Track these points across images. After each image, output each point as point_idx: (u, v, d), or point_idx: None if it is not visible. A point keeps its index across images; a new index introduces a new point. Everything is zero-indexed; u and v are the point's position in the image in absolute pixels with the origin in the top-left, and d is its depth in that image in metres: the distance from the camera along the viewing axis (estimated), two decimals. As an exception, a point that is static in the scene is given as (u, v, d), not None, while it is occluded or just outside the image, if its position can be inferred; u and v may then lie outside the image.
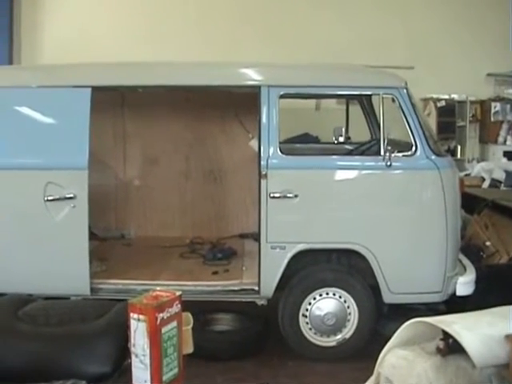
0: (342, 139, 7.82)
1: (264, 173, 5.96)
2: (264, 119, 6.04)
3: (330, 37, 11.17)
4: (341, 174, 6.15)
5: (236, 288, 6.30)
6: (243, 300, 6.34)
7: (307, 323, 6.25)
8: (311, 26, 11.20)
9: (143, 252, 7.54)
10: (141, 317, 2.91)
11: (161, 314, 2.94)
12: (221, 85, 6.45)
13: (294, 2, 11.26)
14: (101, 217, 6.58)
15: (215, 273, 6.72)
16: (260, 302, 6.29)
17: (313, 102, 10.26)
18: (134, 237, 8.27)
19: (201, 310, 6.38)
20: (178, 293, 3.09)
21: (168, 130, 8.22)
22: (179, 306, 3.08)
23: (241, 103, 7.35)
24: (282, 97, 6.08)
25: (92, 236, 6.36)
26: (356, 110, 7.87)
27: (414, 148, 6.02)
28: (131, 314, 2.94)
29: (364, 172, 6.11)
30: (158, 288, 3.16)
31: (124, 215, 8.36)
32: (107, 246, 7.64)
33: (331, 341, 6.27)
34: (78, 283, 6.08)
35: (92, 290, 6.13)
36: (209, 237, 8.00)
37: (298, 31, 11.21)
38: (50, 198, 5.97)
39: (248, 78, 6.36)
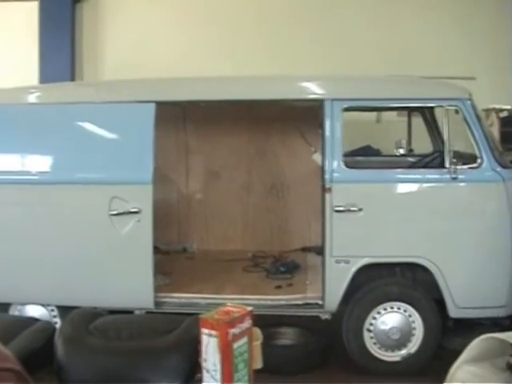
0: (404, 151, 7.75)
1: (328, 186, 5.93)
2: (327, 132, 6.01)
3: (385, 46, 11.03)
4: (405, 187, 6.10)
5: (300, 302, 6.27)
6: (307, 314, 6.32)
7: (371, 338, 6.19)
8: (366, 36, 11.10)
9: (206, 265, 7.56)
10: (212, 332, 2.90)
11: (232, 330, 2.93)
12: (284, 98, 6.45)
13: (346, 12, 11.15)
14: (163, 230, 6.62)
15: (279, 287, 6.69)
16: (324, 317, 6.26)
17: (372, 113, 10.19)
18: (197, 250, 8.30)
19: (264, 323, 6.36)
20: (249, 308, 3.08)
21: (230, 144, 8.25)
22: (250, 321, 3.07)
23: (302, 116, 7.33)
24: (345, 110, 6.05)
25: (155, 249, 6.40)
26: (417, 121, 7.81)
27: (479, 160, 5.94)
28: (203, 329, 2.93)
29: (428, 185, 6.05)
30: (229, 303, 3.15)
31: (186, 229, 8.41)
32: (170, 259, 7.69)
33: (396, 356, 6.20)
34: (142, 297, 6.12)
35: (156, 303, 6.17)
36: (271, 250, 7.98)
37: (351, 41, 11.10)
38: (114, 212, 6.04)
39: (311, 91, 6.34)
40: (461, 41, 11.33)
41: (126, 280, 6.13)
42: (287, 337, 6.80)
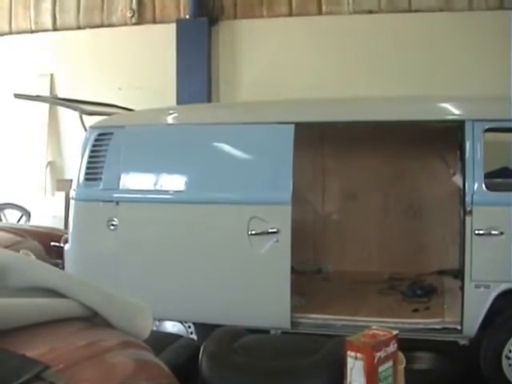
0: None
1: (469, 209, 5.79)
2: (468, 154, 5.87)
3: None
4: (548, 211, 5.89)
5: (438, 326, 6.13)
6: (445, 339, 6.20)
7: (510, 365, 6.00)
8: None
9: (341, 287, 7.52)
10: (358, 355, 2.90)
11: (378, 353, 2.92)
12: (423, 120, 6.35)
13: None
14: (299, 250, 6.62)
15: (416, 310, 6.54)
16: (462, 342, 6.11)
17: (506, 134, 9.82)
18: (332, 271, 8.25)
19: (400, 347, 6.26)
20: (394, 332, 3.07)
21: (367, 165, 8.19)
22: (395, 345, 3.05)
23: (441, 137, 7.21)
24: (486, 131, 5.91)
25: (291, 270, 6.42)
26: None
27: None
28: (348, 352, 2.93)
29: None
30: (374, 326, 3.14)
31: (322, 249, 8.39)
32: (305, 279, 7.67)
33: (533, 384, 6.00)
34: (279, 316, 6.14)
35: (292, 323, 6.17)
36: (407, 273, 7.84)
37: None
38: (253, 232, 6.09)
39: (451, 112, 6.22)
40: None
41: (263, 299, 6.17)
42: (422, 361, 6.68)
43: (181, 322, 6.66)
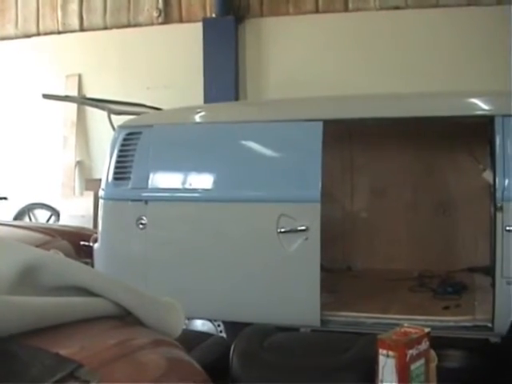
0: None
1: (499, 205, 5.72)
2: (498, 150, 5.81)
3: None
4: None
5: (469, 324, 6.08)
6: (475, 337, 6.14)
7: (542, 363, 5.95)
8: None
9: (371, 284, 7.48)
10: (390, 353, 2.88)
11: (410, 351, 2.89)
12: (451, 115, 6.27)
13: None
14: (328, 248, 6.59)
15: (446, 307, 6.47)
16: (493, 340, 6.05)
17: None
18: (361, 269, 8.23)
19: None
20: (426, 329, 3.05)
21: (396, 162, 8.14)
22: (427, 342, 3.03)
23: (471, 132, 7.14)
24: (516, 126, 5.83)
25: (320, 267, 6.40)
26: None
27: None
28: (380, 350, 2.91)
29: None
30: (406, 324, 3.12)
31: (351, 247, 8.37)
32: (334, 277, 7.65)
33: None
34: (308, 314, 6.11)
35: (322, 321, 6.14)
36: (437, 270, 7.77)
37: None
38: (282, 230, 6.08)
39: (480, 107, 6.16)
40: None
41: (292, 297, 6.14)
42: (453, 359, 6.62)
43: (210, 321, 6.65)
